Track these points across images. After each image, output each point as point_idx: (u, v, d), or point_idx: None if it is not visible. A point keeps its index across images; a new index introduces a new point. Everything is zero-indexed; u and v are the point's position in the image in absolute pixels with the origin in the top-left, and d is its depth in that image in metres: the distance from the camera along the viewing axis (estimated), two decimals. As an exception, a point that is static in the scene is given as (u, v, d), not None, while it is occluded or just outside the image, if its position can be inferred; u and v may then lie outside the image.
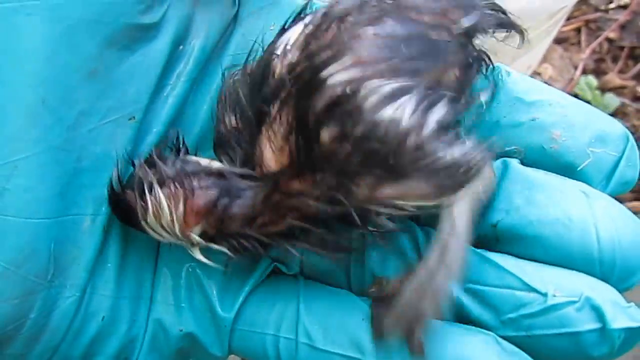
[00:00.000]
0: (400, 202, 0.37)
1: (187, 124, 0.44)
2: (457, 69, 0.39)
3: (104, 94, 0.40)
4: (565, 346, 0.39)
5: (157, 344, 0.45)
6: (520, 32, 0.43)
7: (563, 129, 0.42)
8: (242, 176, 0.39)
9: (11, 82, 0.37)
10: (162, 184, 0.39)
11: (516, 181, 0.41)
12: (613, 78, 1.16)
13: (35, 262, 0.38)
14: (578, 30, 1.23)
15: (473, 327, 0.41)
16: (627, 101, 1.14)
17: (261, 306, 0.44)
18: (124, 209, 0.40)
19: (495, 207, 0.41)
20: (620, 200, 0.42)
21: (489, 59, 0.42)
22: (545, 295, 0.39)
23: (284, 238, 0.39)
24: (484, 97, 0.42)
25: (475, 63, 0.41)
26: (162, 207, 0.39)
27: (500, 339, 0.40)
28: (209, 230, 0.39)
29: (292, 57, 0.38)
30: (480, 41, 0.41)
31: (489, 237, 0.42)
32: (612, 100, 1.12)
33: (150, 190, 0.39)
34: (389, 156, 0.35)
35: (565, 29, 1.19)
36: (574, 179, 0.42)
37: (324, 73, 0.35)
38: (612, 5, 1.24)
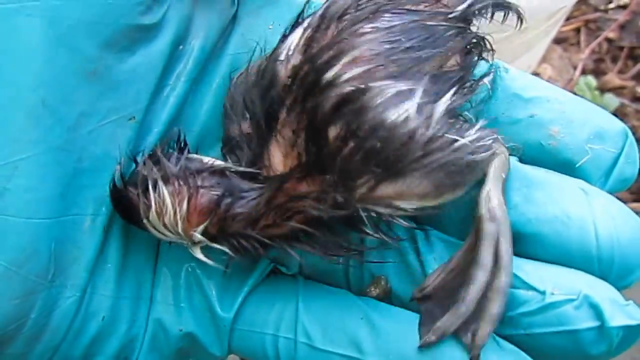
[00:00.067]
0: (399, 203, 0.37)
1: (187, 124, 0.44)
2: (458, 54, 0.40)
3: (104, 94, 0.40)
4: (564, 344, 0.39)
5: (157, 343, 0.45)
6: (517, 12, 0.43)
7: (561, 126, 0.42)
8: (246, 176, 0.40)
9: (11, 83, 0.37)
10: (166, 181, 0.39)
11: (515, 179, 0.41)
12: (612, 78, 1.15)
13: (36, 262, 0.39)
14: (577, 30, 1.23)
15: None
16: (626, 101, 1.14)
17: (260, 306, 0.44)
18: (125, 206, 0.40)
19: None
20: (620, 201, 0.42)
21: (489, 43, 0.42)
22: (543, 293, 0.39)
23: (286, 240, 0.39)
24: (487, 81, 0.42)
25: (475, 48, 0.41)
26: (166, 204, 0.39)
27: (498, 338, 0.40)
28: (211, 230, 0.39)
29: (295, 61, 0.38)
30: (479, 26, 0.42)
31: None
32: (612, 100, 1.12)
33: (155, 188, 0.39)
34: (389, 155, 0.35)
35: (564, 29, 1.19)
36: (572, 175, 0.42)
37: (327, 74, 0.36)
38: (611, 5, 1.24)
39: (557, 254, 0.40)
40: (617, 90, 1.15)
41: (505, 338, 0.40)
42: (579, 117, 0.43)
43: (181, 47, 0.43)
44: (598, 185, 0.42)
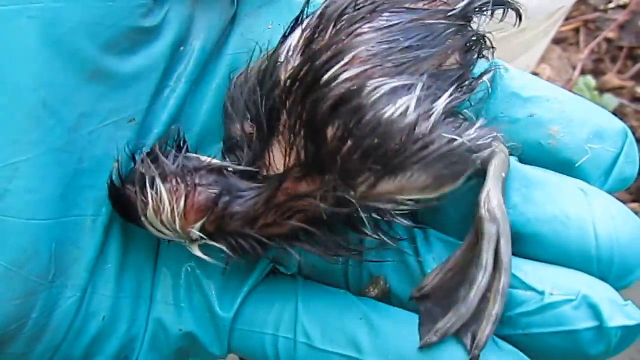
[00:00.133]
0: (400, 197, 0.37)
1: (187, 124, 0.44)
2: (457, 52, 0.40)
3: (104, 96, 0.40)
4: (563, 344, 0.39)
5: (157, 343, 0.45)
6: (516, 10, 0.43)
7: (561, 125, 0.42)
8: (244, 176, 0.40)
9: (12, 84, 0.37)
10: (164, 179, 0.39)
11: (514, 179, 0.41)
12: (611, 78, 1.15)
13: (37, 262, 0.39)
14: (576, 30, 1.23)
15: None
16: (625, 101, 1.14)
17: (260, 306, 0.44)
18: (123, 204, 0.40)
19: None
20: (619, 201, 0.42)
21: (489, 41, 0.42)
22: (542, 293, 0.39)
23: (285, 239, 0.39)
24: (486, 79, 0.42)
25: (475, 45, 0.41)
26: (163, 201, 0.39)
27: (497, 339, 0.40)
28: (208, 227, 0.39)
29: (294, 62, 0.38)
30: (478, 24, 0.42)
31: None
32: (611, 100, 1.12)
33: (152, 185, 0.39)
34: (387, 151, 0.35)
35: (563, 29, 1.19)
36: (572, 175, 0.42)
37: (326, 75, 0.36)
38: (611, 5, 1.24)
39: (556, 254, 0.40)
40: (616, 90, 1.15)
41: (504, 338, 0.40)
42: (578, 116, 0.42)
43: (182, 48, 0.43)
44: (597, 184, 0.42)
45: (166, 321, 0.45)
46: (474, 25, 0.42)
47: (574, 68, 1.17)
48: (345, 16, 0.38)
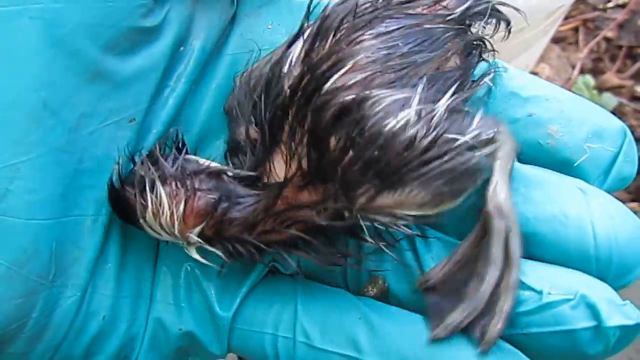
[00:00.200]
0: (398, 212, 0.38)
1: (187, 124, 0.44)
2: (457, 56, 0.40)
3: (105, 96, 0.40)
4: (561, 344, 0.39)
5: (156, 342, 0.45)
6: (507, 23, 0.43)
7: (560, 125, 0.42)
8: (243, 182, 0.40)
9: (13, 85, 0.37)
10: (164, 182, 0.39)
11: (513, 178, 0.41)
12: (611, 77, 1.16)
13: (38, 262, 0.39)
14: (576, 29, 1.23)
15: None
16: (624, 101, 1.14)
17: (259, 305, 0.44)
18: (123, 206, 0.41)
19: None
20: (618, 200, 0.42)
21: (490, 44, 0.42)
22: (540, 293, 0.39)
23: (284, 246, 0.40)
24: (487, 80, 0.42)
25: (475, 49, 0.41)
26: (163, 205, 0.39)
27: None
28: (207, 232, 0.40)
29: (296, 72, 0.38)
30: (478, 30, 0.42)
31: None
32: (610, 99, 1.12)
33: (152, 188, 0.39)
34: (388, 164, 0.35)
35: (562, 28, 1.20)
36: (571, 175, 0.42)
37: (327, 84, 0.36)
38: (610, 5, 1.24)
39: (555, 254, 0.40)
40: (616, 90, 1.15)
41: (503, 337, 0.40)
42: (577, 115, 0.42)
43: (182, 48, 0.43)
44: (597, 184, 0.42)
45: (166, 321, 0.45)
46: (473, 30, 0.42)
47: (573, 67, 1.17)
48: (345, 25, 0.38)
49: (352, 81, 0.36)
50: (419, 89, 0.36)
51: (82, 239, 0.41)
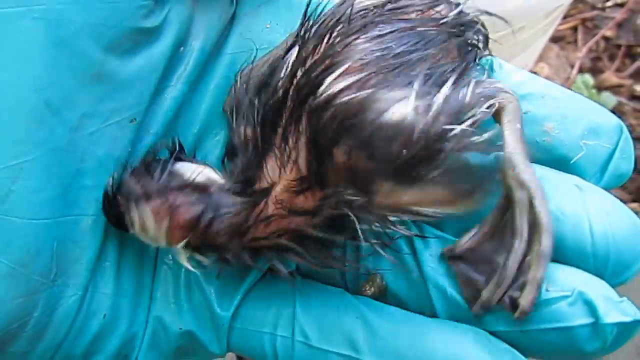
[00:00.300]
0: (417, 209, 0.38)
1: (186, 124, 0.44)
2: (452, 54, 0.40)
3: (106, 96, 0.40)
4: (558, 341, 0.39)
5: (156, 341, 0.45)
6: (485, 36, 0.43)
7: (556, 122, 0.42)
8: (232, 190, 0.40)
9: (16, 85, 0.38)
10: (147, 199, 0.40)
11: None
12: (610, 77, 1.16)
13: (40, 261, 0.39)
14: (574, 28, 1.23)
15: (464, 325, 0.41)
16: (623, 100, 1.14)
17: (258, 305, 0.45)
18: (115, 216, 0.41)
19: (489, 203, 0.41)
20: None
21: (486, 42, 0.42)
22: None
23: (277, 251, 0.40)
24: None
25: (471, 47, 0.41)
26: (148, 222, 0.40)
27: (491, 337, 0.41)
28: (194, 243, 0.40)
29: (291, 75, 0.38)
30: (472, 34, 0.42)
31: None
32: (609, 99, 1.12)
33: (137, 205, 0.40)
34: (401, 159, 0.35)
35: (561, 27, 1.20)
36: (567, 172, 0.42)
37: (322, 87, 0.36)
38: (608, 4, 1.24)
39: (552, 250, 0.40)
40: (615, 89, 1.15)
41: (500, 335, 0.41)
42: (573, 112, 0.42)
43: (182, 48, 0.43)
44: (593, 181, 0.42)
45: (166, 320, 0.45)
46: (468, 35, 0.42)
47: (572, 67, 1.18)
48: (340, 29, 0.38)
49: (347, 83, 0.36)
50: (416, 86, 0.36)
51: (83, 238, 0.41)
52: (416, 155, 0.35)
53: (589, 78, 1.14)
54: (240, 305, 0.45)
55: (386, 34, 0.38)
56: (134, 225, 0.40)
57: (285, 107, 0.38)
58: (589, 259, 0.40)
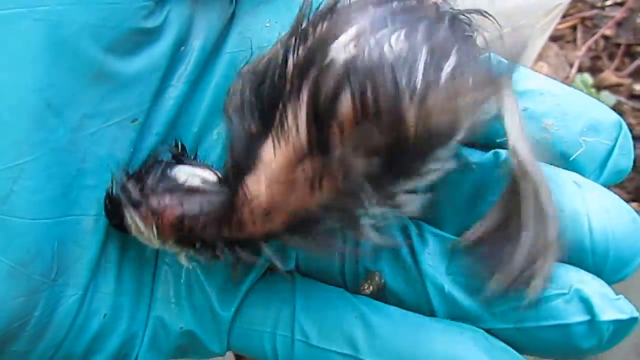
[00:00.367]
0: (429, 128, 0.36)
1: (186, 124, 0.44)
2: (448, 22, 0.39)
3: (107, 96, 0.41)
4: (555, 338, 0.39)
5: (157, 340, 0.45)
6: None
7: (555, 118, 0.42)
8: (219, 185, 0.40)
9: (17, 86, 0.38)
10: (136, 207, 0.40)
11: (508, 173, 0.41)
12: (609, 76, 1.15)
13: (41, 261, 0.39)
14: (574, 27, 1.23)
15: (462, 324, 0.41)
16: (623, 99, 1.14)
17: (258, 304, 0.45)
18: (116, 218, 0.41)
19: (487, 200, 0.42)
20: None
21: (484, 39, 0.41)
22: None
23: (269, 239, 0.39)
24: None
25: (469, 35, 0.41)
26: (139, 225, 0.40)
27: (488, 336, 0.41)
28: (186, 241, 0.40)
29: (291, 57, 0.38)
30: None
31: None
32: (608, 98, 1.12)
33: (128, 212, 0.40)
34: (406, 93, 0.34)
35: (560, 26, 1.19)
36: (566, 168, 0.42)
37: (323, 51, 0.35)
38: (608, 3, 1.24)
39: None
40: (614, 88, 1.15)
41: (496, 332, 0.41)
42: (573, 109, 0.42)
43: (182, 48, 0.43)
44: (592, 177, 0.42)
45: (167, 319, 0.45)
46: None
47: (571, 66, 1.17)
48: (340, 9, 0.38)
49: (349, 37, 0.35)
50: (420, 30, 0.35)
51: (84, 238, 0.41)
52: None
53: (588, 77, 1.14)
54: (241, 305, 0.45)
55: (387, 5, 0.37)
56: (131, 229, 0.41)
57: (284, 91, 0.37)
58: (588, 256, 0.40)
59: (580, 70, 1.17)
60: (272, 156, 0.37)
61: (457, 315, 0.41)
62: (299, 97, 0.36)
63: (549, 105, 0.42)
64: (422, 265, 0.42)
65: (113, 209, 0.41)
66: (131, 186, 0.40)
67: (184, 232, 0.40)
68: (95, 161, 0.41)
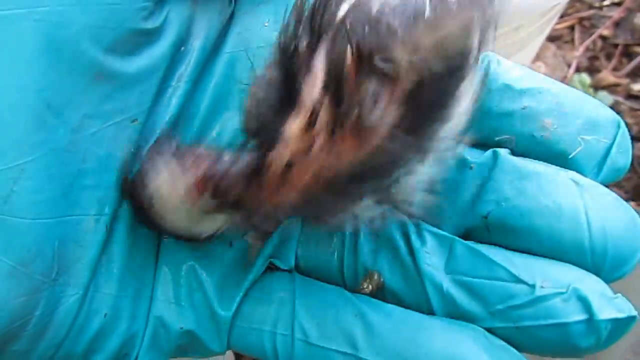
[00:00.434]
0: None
1: (187, 124, 0.44)
2: None
3: (108, 97, 0.41)
4: (553, 337, 0.39)
5: (157, 340, 0.45)
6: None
7: (554, 117, 0.42)
8: (243, 152, 0.39)
9: (18, 87, 0.38)
10: (166, 164, 0.40)
11: (507, 171, 0.42)
12: (607, 76, 1.16)
13: (41, 261, 0.39)
14: (571, 27, 1.23)
15: (461, 322, 0.42)
16: (620, 99, 1.14)
17: (258, 303, 0.45)
18: (135, 196, 0.41)
19: (485, 199, 0.42)
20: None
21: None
22: (533, 286, 0.40)
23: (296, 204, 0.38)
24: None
25: None
26: (164, 190, 0.39)
27: (488, 334, 0.41)
28: (211, 202, 0.39)
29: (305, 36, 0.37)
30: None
31: (479, 228, 0.43)
32: (606, 98, 1.12)
33: (154, 177, 0.40)
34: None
35: (558, 26, 1.20)
36: (565, 167, 0.42)
37: (339, 11, 0.35)
38: (606, 3, 1.25)
39: (550, 247, 0.41)
40: (612, 88, 1.15)
41: (495, 331, 0.41)
42: (571, 108, 0.42)
43: (182, 48, 0.43)
44: (591, 176, 0.42)
45: (167, 319, 0.45)
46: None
47: (569, 66, 1.18)
48: None
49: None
50: None
51: (85, 238, 0.41)
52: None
53: (585, 77, 1.14)
54: (241, 304, 0.45)
55: None
56: (152, 198, 0.40)
57: (300, 56, 0.36)
58: (587, 254, 0.40)
59: (577, 70, 1.17)
60: (294, 124, 0.36)
61: (456, 314, 0.42)
62: (315, 67, 0.35)
63: (548, 104, 0.42)
64: (421, 264, 0.42)
65: (131, 185, 0.40)
66: (167, 141, 0.40)
67: (210, 191, 0.39)
68: (96, 161, 0.41)
